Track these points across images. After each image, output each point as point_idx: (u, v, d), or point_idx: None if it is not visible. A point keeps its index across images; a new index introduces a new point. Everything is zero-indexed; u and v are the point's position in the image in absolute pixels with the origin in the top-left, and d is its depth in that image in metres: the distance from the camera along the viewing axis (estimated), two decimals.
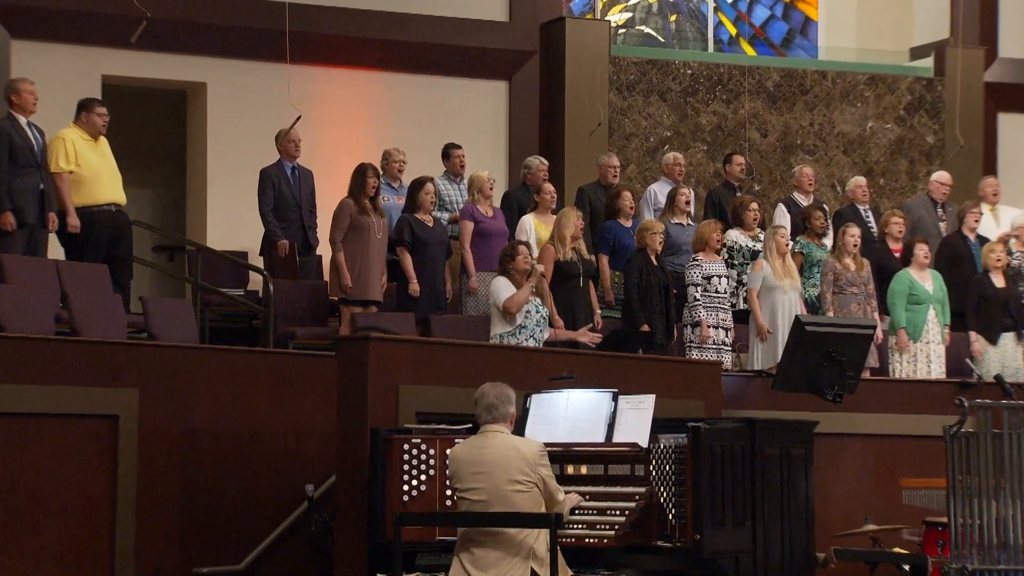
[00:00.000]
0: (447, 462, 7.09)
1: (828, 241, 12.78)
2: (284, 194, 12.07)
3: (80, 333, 9.37)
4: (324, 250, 12.25)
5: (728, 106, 15.98)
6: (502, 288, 10.27)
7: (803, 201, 13.56)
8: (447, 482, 7.18)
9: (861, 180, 14.15)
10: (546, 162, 13.16)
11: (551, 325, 10.70)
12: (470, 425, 7.34)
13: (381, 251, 11.33)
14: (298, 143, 12.25)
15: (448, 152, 12.77)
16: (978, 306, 12.48)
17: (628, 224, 12.30)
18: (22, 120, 10.53)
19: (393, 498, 7.34)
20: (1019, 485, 7.48)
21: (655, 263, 11.61)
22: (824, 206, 13.66)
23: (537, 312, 10.29)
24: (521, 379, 7.67)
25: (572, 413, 7.42)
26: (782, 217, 13.37)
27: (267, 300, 11.45)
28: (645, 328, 11.32)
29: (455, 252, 12.03)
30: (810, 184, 13.80)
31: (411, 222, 11.54)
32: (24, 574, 8.27)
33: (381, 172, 11.81)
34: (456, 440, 7.22)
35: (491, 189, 12.12)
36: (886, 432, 11.12)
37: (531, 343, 10.12)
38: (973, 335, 12.48)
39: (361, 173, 11.30)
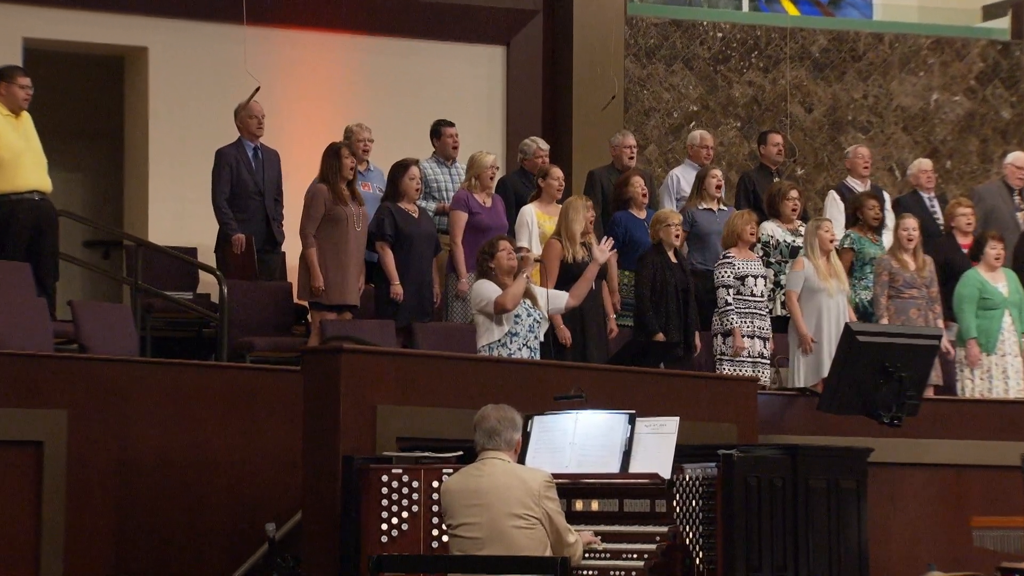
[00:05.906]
0: (435, 496, 7.10)
1: (887, 236, 12.75)
2: (244, 180, 12.07)
3: None
4: (289, 247, 12.26)
5: (766, 75, 16.01)
6: (488, 290, 10.20)
7: (858, 188, 13.55)
8: (434, 520, 7.20)
9: (925, 163, 14.18)
10: (546, 145, 13.16)
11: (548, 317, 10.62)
12: (461, 453, 7.36)
13: (360, 247, 11.34)
14: (261, 119, 12.26)
15: (438, 130, 12.78)
16: None
17: (642, 215, 12.32)
18: None
19: (369, 539, 7.36)
20: None
21: (673, 260, 11.63)
22: (884, 193, 13.68)
23: (529, 316, 10.24)
24: (521, 397, 7.68)
25: (581, 438, 7.43)
26: (834, 207, 13.36)
27: (221, 305, 11.45)
28: (660, 337, 11.34)
29: (444, 248, 12.04)
30: (866, 167, 13.82)
31: (393, 212, 11.54)
32: None
33: None
34: (444, 470, 7.24)
35: (492, 178, 12.10)
36: (953, 462, 11.15)
37: (524, 352, 10.12)
38: None
39: (334, 154, 11.29)
